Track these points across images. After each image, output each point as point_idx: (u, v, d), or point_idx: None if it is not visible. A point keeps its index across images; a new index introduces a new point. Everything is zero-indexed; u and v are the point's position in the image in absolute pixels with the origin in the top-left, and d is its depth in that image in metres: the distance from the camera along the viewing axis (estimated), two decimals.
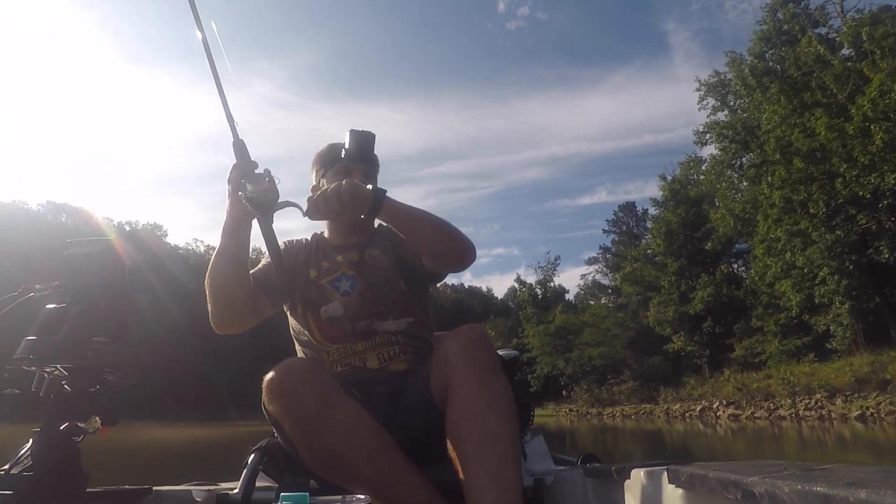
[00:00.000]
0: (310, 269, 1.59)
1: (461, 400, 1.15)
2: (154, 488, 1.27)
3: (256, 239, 1.38)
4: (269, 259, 1.50)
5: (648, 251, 38.38)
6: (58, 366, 1.04)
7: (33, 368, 1.05)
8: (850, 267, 21.51)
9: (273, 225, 1.29)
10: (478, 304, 77.82)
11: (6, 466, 0.98)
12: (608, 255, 53.71)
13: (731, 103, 28.37)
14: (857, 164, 19.20)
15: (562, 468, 1.65)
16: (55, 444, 1.01)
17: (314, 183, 1.65)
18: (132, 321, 1.13)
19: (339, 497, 1.08)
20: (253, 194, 1.22)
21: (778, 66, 24.24)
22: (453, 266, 1.51)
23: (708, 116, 29.07)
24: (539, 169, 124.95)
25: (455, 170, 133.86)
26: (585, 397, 38.46)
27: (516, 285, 60.93)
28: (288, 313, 1.63)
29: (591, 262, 56.45)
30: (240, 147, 1.26)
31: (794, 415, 20.49)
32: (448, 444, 1.14)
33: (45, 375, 1.06)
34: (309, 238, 1.71)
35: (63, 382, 1.06)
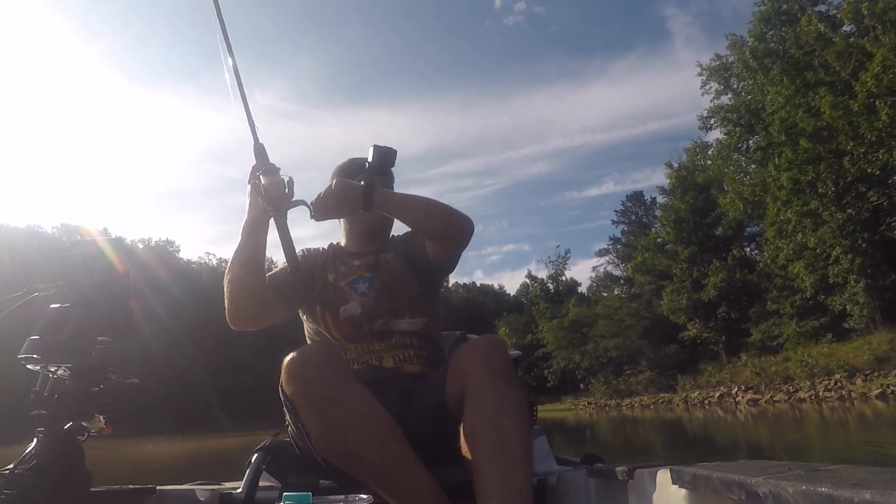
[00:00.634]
0: (328, 274, 1.65)
1: (477, 405, 1.19)
2: (158, 488, 1.28)
3: (274, 251, 1.48)
4: (284, 264, 1.56)
5: (658, 240, 38.15)
6: (61, 365, 1.05)
7: (37, 368, 1.05)
8: (864, 245, 21.27)
9: (291, 232, 1.39)
10: (490, 302, 77.65)
11: (10, 465, 0.98)
12: (619, 246, 53.33)
13: (735, 86, 28.12)
14: (865, 141, 19.01)
15: (565, 468, 1.66)
16: (59, 444, 1.01)
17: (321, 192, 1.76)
18: (135, 321, 1.16)
19: (342, 497, 1.09)
20: (270, 193, 1.33)
21: (779, 47, 24.02)
22: (454, 241, 1.55)
23: (711, 101, 28.90)
24: (545, 163, 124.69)
25: (460, 169, 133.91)
26: (603, 389, 38.28)
27: (528, 281, 60.80)
28: (304, 317, 1.68)
29: (601, 253, 56.12)
30: (260, 150, 1.38)
31: (813, 396, 20.30)
32: (462, 445, 1.18)
33: (49, 375, 1.07)
34: (326, 247, 1.78)
35: (67, 382, 1.06)
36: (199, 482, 1.53)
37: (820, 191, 21.28)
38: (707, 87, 28.88)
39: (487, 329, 55.58)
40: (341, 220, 1.76)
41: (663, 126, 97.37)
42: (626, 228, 53.26)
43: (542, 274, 57.69)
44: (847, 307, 22.91)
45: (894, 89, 18.01)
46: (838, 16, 22.53)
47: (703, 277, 32.70)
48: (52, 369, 1.05)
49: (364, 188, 1.42)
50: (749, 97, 26.63)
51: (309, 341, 1.66)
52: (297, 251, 1.47)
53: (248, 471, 1.43)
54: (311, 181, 1.84)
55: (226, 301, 1.45)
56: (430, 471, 1.25)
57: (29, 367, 1.05)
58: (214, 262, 62.40)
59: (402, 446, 1.21)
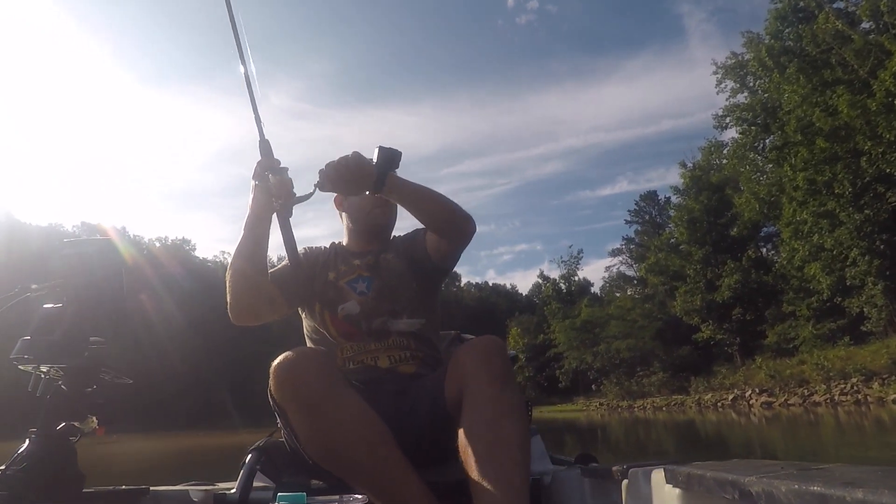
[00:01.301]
0: (328, 272, 1.66)
1: (476, 406, 1.20)
2: (151, 488, 1.26)
3: (276, 249, 1.50)
4: (286, 261, 1.56)
5: (672, 240, 37.83)
6: (54, 366, 1.04)
7: (29, 368, 1.04)
8: (882, 246, 20.88)
9: (294, 232, 1.42)
10: (502, 302, 77.47)
11: (2, 466, 0.97)
12: (632, 246, 52.96)
13: (751, 84, 27.77)
14: (883, 141, 18.67)
15: (559, 468, 1.66)
16: (52, 444, 1.01)
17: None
18: (129, 321, 1.18)
19: (337, 497, 1.11)
20: (274, 188, 1.34)
21: (795, 45, 23.68)
22: (457, 235, 1.57)
23: (727, 99, 28.53)
24: (558, 162, 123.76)
25: (473, 168, 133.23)
26: (615, 391, 38.04)
27: (540, 281, 60.64)
28: (303, 314, 1.69)
29: (614, 253, 55.72)
30: (265, 146, 1.40)
31: (829, 400, 19.99)
32: (460, 445, 1.18)
33: (42, 375, 1.06)
34: (328, 246, 1.79)
35: (59, 382, 1.06)
36: (193, 483, 1.54)
37: (837, 191, 20.93)
38: (722, 85, 28.55)
39: (500, 329, 55.55)
40: (344, 218, 1.77)
41: (678, 125, 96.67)
42: (639, 228, 52.92)
43: (555, 274, 57.52)
44: (865, 310, 22.55)
45: None
46: (856, 13, 22.14)
47: (717, 278, 32.35)
48: (45, 370, 1.05)
49: (378, 168, 1.43)
50: (765, 96, 26.29)
51: (307, 338, 1.67)
52: (299, 249, 1.49)
53: (242, 471, 1.43)
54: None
55: (228, 296, 1.46)
56: (426, 470, 1.25)
57: (21, 367, 1.04)
58: (229, 260, 62.91)
59: (391, 450, 1.21)
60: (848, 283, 22.44)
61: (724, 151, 31.41)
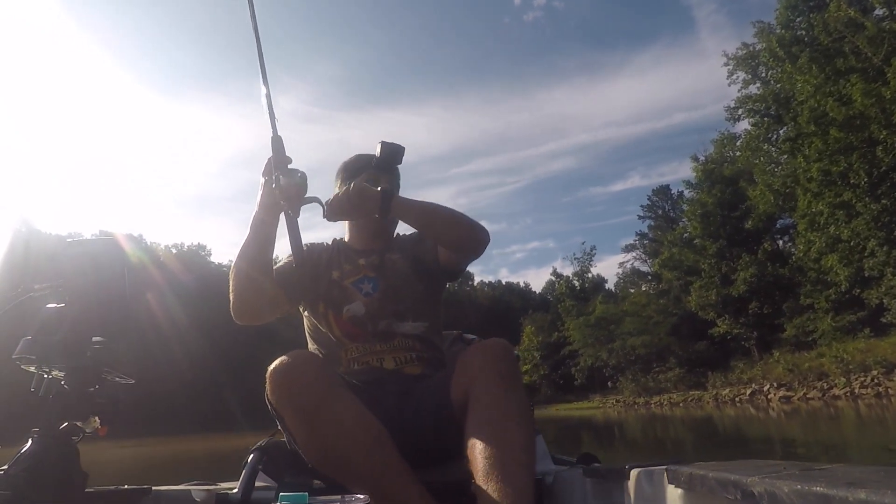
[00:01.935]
0: (332, 271, 1.64)
1: (482, 407, 1.21)
2: (153, 488, 1.26)
3: (281, 248, 1.48)
4: (289, 257, 1.54)
5: (685, 235, 37.47)
6: (56, 366, 1.04)
7: (32, 368, 1.04)
8: None
9: (302, 232, 1.38)
10: (516, 300, 77.19)
11: (5, 466, 0.97)
12: (645, 242, 52.54)
13: (763, 75, 27.39)
14: None
15: (561, 468, 1.65)
16: (54, 444, 1.00)
17: (338, 192, 1.68)
18: (132, 321, 1.14)
19: (339, 497, 1.08)
20: (284, 186, 1.31)
21: (807, 34, 23.34)
22: (470, 251, 1.55)
23: (739, 91, 28.14)
24: (568, 159, 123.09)
25: (483, 167, 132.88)
26: (631, 387, 37.73)
27: (553, 278, 60.45)
28: (305, 313, 1.66)
29: (628, 249, 55.28)
30: (277, 142, 1.36)
31: (849, 393, 19.67)
32: (466, 446, 1.18)
33: (44, 375, 1.06)
34: (330, 242, 1.77)
35: (62, 382, 1.06)
36: (195, 482, 1.53)
37: (852, 181, 20.58)
38: (734, 76, 28.13)
39: (514, 327, 55.41)
40: None
41: (690, 117, 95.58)
42: (652, 223, 52.39)
43: (568, 271, 57.33)
44: (884, 301, 22.13)
45: None
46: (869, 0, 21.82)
47: (732, 272, 31.99)
48: (47, 370, 1.05)
49: (382, 194, 1.42)
50: (778, 86, 25.91)
51: (308, 337, 1.67)
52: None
53: (244, 471, 1.43)
54: (333, 184, 1.86)
55: (231, 294, 1.45)
56: (428, 471, 1.26)
57: (24, 367, 1.05)
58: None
59: (390, 453, 1.21)
60: (866, 275, 22.06)
61: (737, 144, 30.99)
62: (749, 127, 28.12)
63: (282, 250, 1.60)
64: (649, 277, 49.23)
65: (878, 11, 21.54)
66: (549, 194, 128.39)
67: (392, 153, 1.47)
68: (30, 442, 1.00)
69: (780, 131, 26.51)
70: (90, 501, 1.07)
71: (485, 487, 1.09)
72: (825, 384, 21.56)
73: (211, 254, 65.16)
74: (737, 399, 25.96)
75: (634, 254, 54.13)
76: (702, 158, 35.54)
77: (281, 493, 1.00)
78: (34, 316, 1.07)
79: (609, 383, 42.71)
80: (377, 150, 1.48)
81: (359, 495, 1.13)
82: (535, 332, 53.31)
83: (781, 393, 23.35)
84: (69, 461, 1.02)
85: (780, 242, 34.11)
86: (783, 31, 24.25)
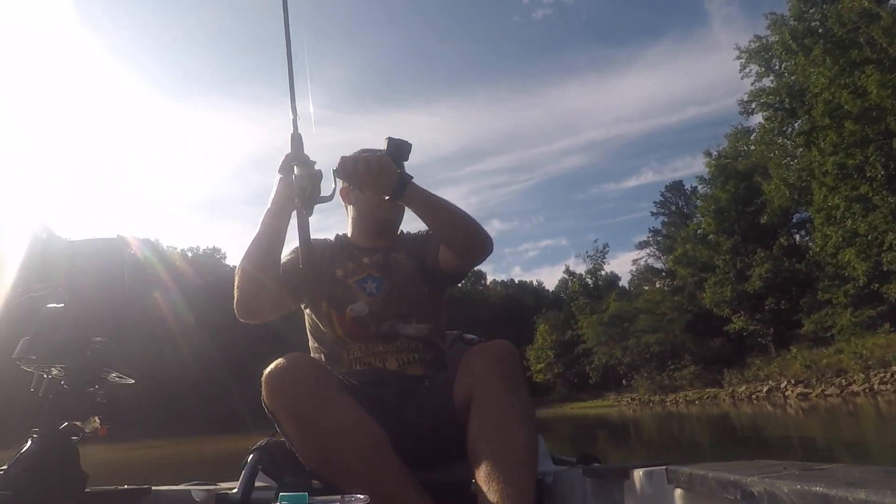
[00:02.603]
0: (336, 269, 1.63)
1: (486, 408, 1.21)
2: (153, 488, 1.26)
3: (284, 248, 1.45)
4: (292, 254, 1.55)
5: (699, 231, 37.09)
6: (56, 365, 1.04)
7: (32, 368, 1.05)
8: None
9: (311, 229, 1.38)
10: (529, 299, 76.91)
11: (5, 466, 0.97)
12: (659, 238, 52.02)
13: (776, 67, 26.99)
14: None
15: (561, 468, 1.65)
16: (54, 444, 1.00)
17: (342, 186, 1.68)
18: (131, 321, 1.14)
19: (339, 497, 1.07)
20: (300, 176, 1.31)
21: (821, 26, 23.00)
22: (472, 253, 1.52)
23: (752, 84, 27.74)
24: (580, 156, 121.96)
25: (494, 165, 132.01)
26: (647, 385, 37.45)
27: (566, 276, 60.22)
28: (307, 310, 1.65)
29: (641, 245, 54.65)
30: (296, 139, 1.38)
31: (868, 390, 19.33)
32: (468, 447, 1.19)
33: (44, 375, 1.06)
34: (332, 238, 1.75)
35: (62, 382, 1.05)
36: (195, 482, 1.53)
37: (869, 174, 20.26)
38: (747, 69, 27.68)
39: (528, 326, 55.30)
40: (350, 210, 1.74)
41: (703, 112, 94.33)
42: (666, 220, 51.83)
43: (581, 269, 57.07)
44: None
45: None
46: None
47: (747, 268, 31.57)
48: (47, 370, 1.05)
49: (401, 174, 1.39)
50: (792, 79, 25.54)
51: (309, 335, 1.66)
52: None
53: (243, 471, 1.43)
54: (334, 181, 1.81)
55: (235, 292, 1.44)
56: (429, 471, 1.27)
57: (24, 367, 1.05)
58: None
59: (387, 456, 1.21)
60: (885, 269, 21.66)
61: (751, 138, 30.58)
62: (763, 121, 27.76)
63: (285, 248, 1.60)
64: (663, 274, 48.77)
65: (894, 1, 21.19)
66: (561, 192, 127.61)
67: (398, 149, 1.44)
68: (30, 442, 1.01)
69: (795, 124, 26.11)
70: (90, 501, 1.07)
71: (486, 488, 1.10)
72: (843, 380, 21.20)
73: (226, 257, 65.77)
74: (753, 396, 25.66)
75: (648, 250, 53.62)
76: (715, 153, 35.17)
77: (281, 493, 1.00)
78: (34, 316, 1.06)
79: (624, 381, 42.44)
80: (384, 146, 1.47)
81: (359, 495, 1.16)
82: (548, 330, 53.14)
83: (799, 390, 23.03)
84: (69, 461, 1.02)
85: (797, 237, 33.64)
86: (796, 22, 23.87)
